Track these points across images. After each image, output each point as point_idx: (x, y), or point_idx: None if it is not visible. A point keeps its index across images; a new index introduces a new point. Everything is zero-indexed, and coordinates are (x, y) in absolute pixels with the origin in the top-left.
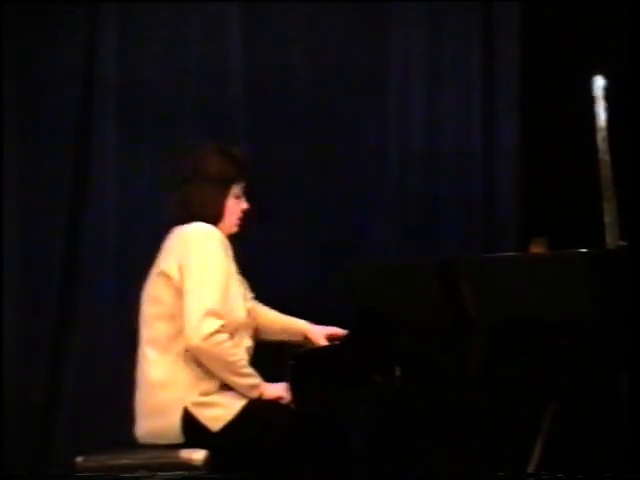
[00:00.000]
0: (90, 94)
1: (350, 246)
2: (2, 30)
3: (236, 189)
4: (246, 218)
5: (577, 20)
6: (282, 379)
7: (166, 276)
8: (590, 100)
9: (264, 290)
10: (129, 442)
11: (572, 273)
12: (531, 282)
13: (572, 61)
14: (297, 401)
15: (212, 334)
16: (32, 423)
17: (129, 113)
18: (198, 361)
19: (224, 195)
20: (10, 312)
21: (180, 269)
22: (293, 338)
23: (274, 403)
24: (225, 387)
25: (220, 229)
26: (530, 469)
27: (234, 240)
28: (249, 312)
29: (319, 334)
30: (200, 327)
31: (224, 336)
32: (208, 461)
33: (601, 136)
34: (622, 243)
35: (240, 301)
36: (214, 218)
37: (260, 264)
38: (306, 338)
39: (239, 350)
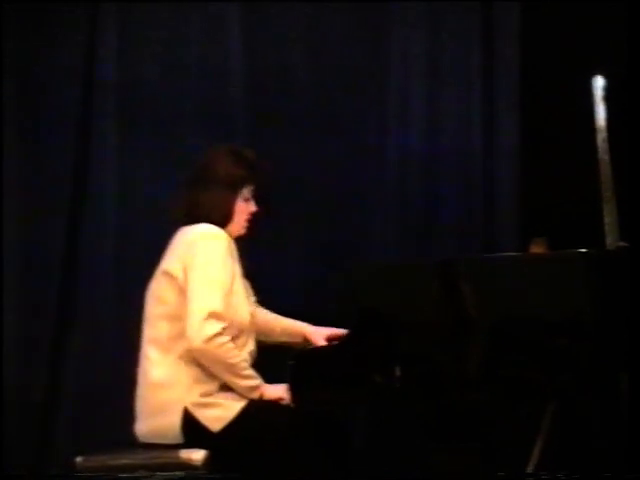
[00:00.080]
0: (90, 94)
1: (350, 246)
2: (2, 30)
3: (246, 192)
4: (254, 220)
5: (577, 20)
6: (283, 380)
7: (170, 276)
8: (590, 100)
9: (264, 290)
10: (129, 442)
11: (572, 273)
12: (531, 282)
13: (572, 61)
14: (297, 401)
15: (214, 336)
16: (32, 423)
17: (129, 113)
18: (199, 362)
19: (234, 197)
20: (10, 312)
21: (184, 270)
22: (293, 340)
23: (274, 404)
24: (225, 388)
25: (228, 231)
26: (530, 469)
27: (240, 242)
28: (252, 315)
29: (319, 336)
30: (202, 329)
31: (225, 338)
32: (208, 461)
33: (601, 136)
34: (622, 244)
35: (245, 304)
36: (223, 220)
37: (260, 264)
38: (306, 340)
39: (242, 352)
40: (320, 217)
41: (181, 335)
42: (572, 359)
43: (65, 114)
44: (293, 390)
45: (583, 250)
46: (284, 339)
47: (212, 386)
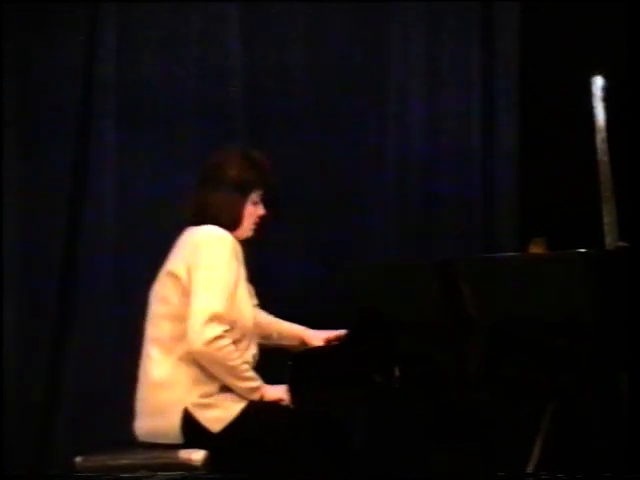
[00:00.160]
0: (90, 94)
1: (350, 246)
2: (2, 30)
3: (255, 196)
4: (261, 224)
5: (577, 20)
6: (283, 381)
7: (174, 276)
8: (589, 100)
9: (263, 290)
10: (129, 442)
11: (572, 273)
12: (531, 282)
13: (572, 61)
14: (296, 401)
15: (214, 339)
16: (32, 423)
17: (129, 113)
18: (199, 363)
19: (243, 201)
20: (10, 312)
21: (188, 270)
22: (291, 343)
23: (274, 404)
24: (225, 389)
25: (236, 234)
26: (530, 469)
27: (247, 246)
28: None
29: (317, 338)
30: (203, 332)
31: (226, 341)
32: (207, 461)
33: (600, 136)
34: (622, 244)
35: (248, 307)
36: (232, 223)
37: (260, 264)
38: (303, 343)
39: (245, 355)
40: (320, 217)
41: (183, 336)
42: (572, 359)
43: (65, 114)
44: (292, 390)
45: (582, 250)
46: (282, 342)
47: (212, 387)
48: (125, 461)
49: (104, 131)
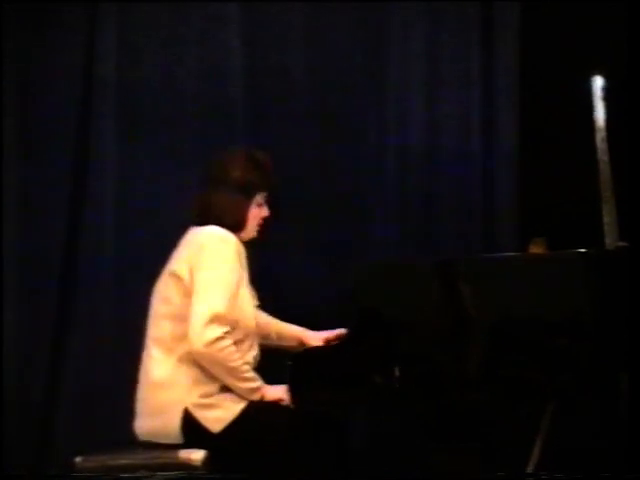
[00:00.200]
0: (90, 94)
1: (350, 246)
2: (2, 30)
3: (259, 197)
4: (265, 224)
5: (577, 20)
6: (283, 381)
7: (177, 277)
8: (589, 100)
9: (264, 291)
10: (129, 442)
11: (572, 273)
12: (531, 282)
13: (572, 61)
14: (296, 401)
15: (215, 340)
16: (32, 423)
17: (129, 113)
18: (200, 363)
19: (248, 203)
20: (10, 312)
21: (191, 271)
22: (289, 344)
23: (274, 404)
24: (225, 389)
25: (239, 235)
26: (530, 469)
27: (249, 247)
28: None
29: (316, 340)
30: (203, 333)
31: (227, 342)
32: (207, 461)
33: (600, 136)
34: (622, 243)
35: (251, 308)
36: (236, 224)
37: (259, 264)
38: (302, 344)
39: (246, 356)
40: (320, 217)
41: (184, 336)
42: (572, 359)
43: (65, 114)
44: (292, 390)
45: (582, 250)
46: (281, 343)
47: (212, 387)
48: (125, 461)
49: (104, 131)
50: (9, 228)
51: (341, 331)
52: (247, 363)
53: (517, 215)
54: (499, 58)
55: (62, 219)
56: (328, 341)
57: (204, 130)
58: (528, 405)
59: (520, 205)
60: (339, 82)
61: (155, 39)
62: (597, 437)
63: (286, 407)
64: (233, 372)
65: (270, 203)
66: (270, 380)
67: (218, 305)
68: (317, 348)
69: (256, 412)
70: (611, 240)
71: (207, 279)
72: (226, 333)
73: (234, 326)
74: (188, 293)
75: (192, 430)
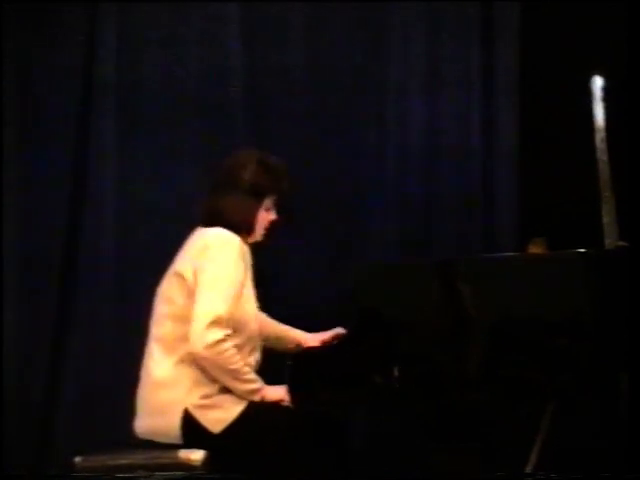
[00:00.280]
0: (90, 94)
1: (350, 246)
2: (2, 30)
3: (268, 201)
4: (272, 228)
5: (577, 20)
6: (283, 382)
7: (181, 277)
8: (589, 100)
9: (264, 291)
10: (129, 442)
11: (571, 273)
12: (531, 282)
13: (571, 61)
14: (296, 402)
15: (216, 343)
16: (32, 423)
17: (129, 113)
18: (201, 365)
19: (257, 207)
20: (10, 312)
21: (195, 272)
22: (288, 346)
23: (274, 405)
24: (225, 390)
25: (245, 238)
26: (529, 469)
27: (254, 250)
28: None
29: (314, 342)
30: (204, 335)
31: (227, 345)
32: (207, 461)
33: (600, 136)
34: (622, 243)
35: (254, 311)
36: (245, 228)
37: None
38: (300, 347)
39: (249, 359)
40: (320, 217)
41: (185, 336)
42: (572, 359)
43: (65, 114)
44: (292, 391)
45: (582, 250)
46: (279, 345)
47: (213, 388)
48: (124, 461)
49: (104, 131)
50: (9, 228)
51: (338, 330)
52: (247, 365)
53: (517, 215)
54: (499, 58)
55: (62, 219)
56: (326, 342)
57: (204, 130)
58: (528, 405)
59: (520, 205)
60: (339, 82)
61: (155, 39)
62: (597, 437)
63: (286, 407)
64: (233, 374)
65: (278, 207)
66: (270, 380)
67: (220, 307)
68: (317, 348)
69: (256, 412)
70: (611, 240)
71: (210, 280)
72: (227, 336)
73: (236, 328)
74: (191, 294)
75: (192, 430)
